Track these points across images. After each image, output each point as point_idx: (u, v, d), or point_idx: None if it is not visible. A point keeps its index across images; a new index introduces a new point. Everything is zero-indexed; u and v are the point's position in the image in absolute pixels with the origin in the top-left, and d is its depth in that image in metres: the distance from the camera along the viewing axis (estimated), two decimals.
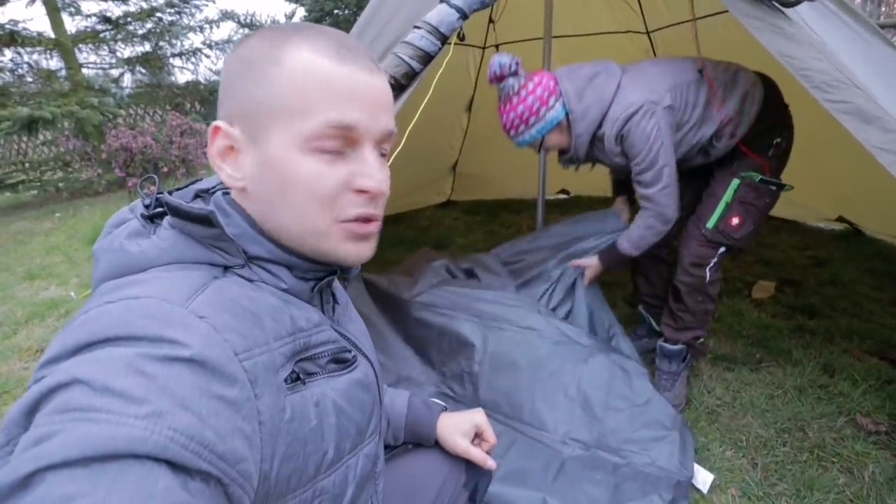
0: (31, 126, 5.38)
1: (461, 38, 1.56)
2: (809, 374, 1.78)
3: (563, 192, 4.04)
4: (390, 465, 0.85)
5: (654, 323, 1.96)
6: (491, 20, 2.86)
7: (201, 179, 0.65)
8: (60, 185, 6.20)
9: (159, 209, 0.56)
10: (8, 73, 6.23)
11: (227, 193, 0.59)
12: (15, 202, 6.15)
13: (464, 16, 1.43)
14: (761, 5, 1.11)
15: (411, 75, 1.43)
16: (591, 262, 1.79)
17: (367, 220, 0.57)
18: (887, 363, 1.82)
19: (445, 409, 0.92)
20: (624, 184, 1.92)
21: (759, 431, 1.55)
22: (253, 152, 0.54)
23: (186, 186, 0.63)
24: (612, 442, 1.44)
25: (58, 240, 4.18)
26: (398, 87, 1.45)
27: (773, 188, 1.57)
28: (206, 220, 0.51)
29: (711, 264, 1.62)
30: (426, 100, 1.54)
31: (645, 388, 1.54)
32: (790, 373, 1.80)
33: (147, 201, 0.57)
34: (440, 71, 1.55)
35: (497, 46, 3.05)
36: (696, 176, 1.70)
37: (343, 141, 0.53)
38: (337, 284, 0.70)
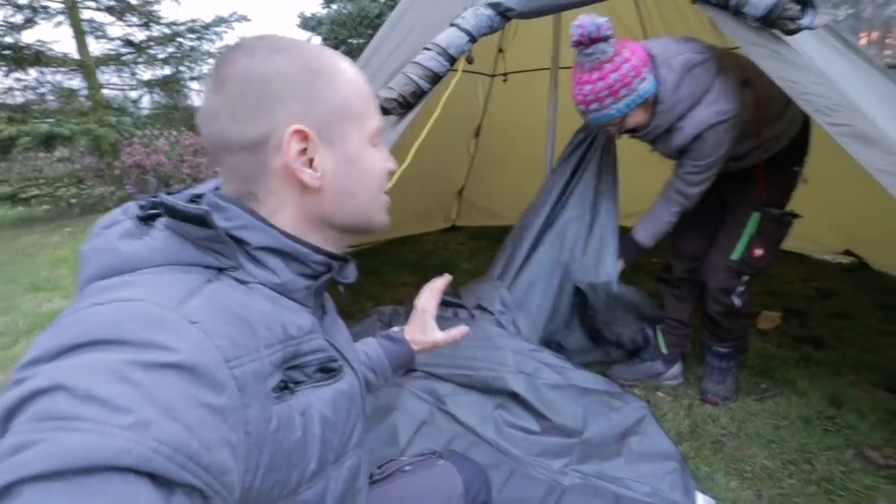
0: (48, 142, 5.53)
1: (469, 61, 1.60)
2: (816, 406, 1.74)
3: None
4: (389, 485, 0.84)
5: (664, 346, 1.94)
6: (500, 49, 2.94)
7: (194, 186, 0.65)
8: (73, 200, 6.32)
9: (153, 211, 0.56)
10: (31, 91, 6.43)
11: (219, 190, 0.60)
12: (27, 216, 6.24)
13: (472, 39, 1.48)
14: (763, 33, 1.15)
15: (419, 94, 1.47)
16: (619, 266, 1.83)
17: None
18: (895, 396, 1.78)
19: (402, 329, 1.03)
20: None
21: (764, 462, 1.51)
22: (331, 152, 0.59)
23: (180, 192, 0.62)
24: (612, 472, 1.42)
25: (65, 253, 4.23)
26: (406, 106, 1.49)
27: (791, 219, 1.63)
28: (201, 221, 0.51)
29: (739, 291, 1.69)
30: (433, 119, 1.58)
31: (642, 421, 1.54)
32: (796, 403, 1.76)
33: (143, 202, 0.57)
34: (447, 92, 1.59)
35: (505, 75, 3.12)
36: (711, 205, 1.75)
37: None
38: (326, 295, 0.70)
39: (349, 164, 0.60)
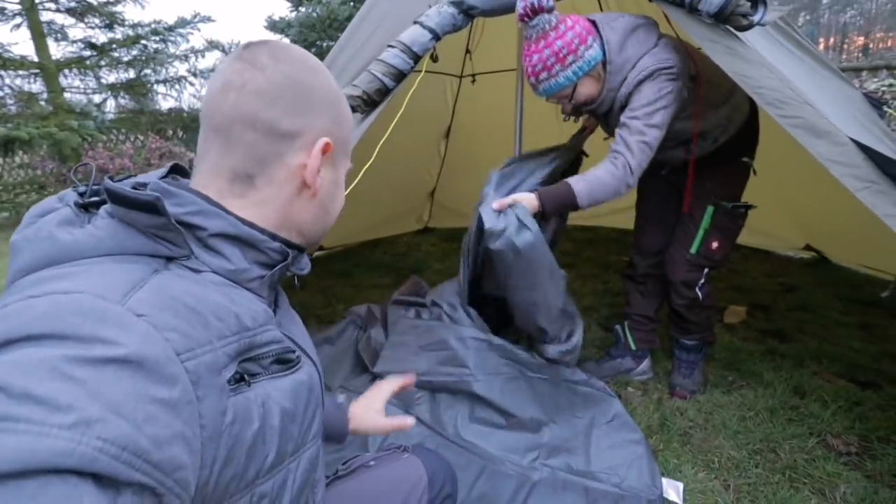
0: (6, 147, 5.31)
1: (434, 59, 1.60)
2: (780, 396, 1.79)
3: None
4: (352, 480, 0.83)
5: (632, 342, 1.96)
6: (468, 50, 2.95)
7: (136, 175, 0.63)
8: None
9: (94, 199, 0.54)
10: None
11: (166, 178, 0.58)
12: None
13: (436, 36, 1.48)
14: (717, 29, 1.17)
15: (384, 91, 1.46)
16: (527, 198, 1.51)
17: None
18: (856, 385, 1.84)
19: (349, 400, 0.96)
20: None
21: (731, 453, 1.54)
22: (331, 171, 0.65)
23: (123, 180, 0.59)
24: (580, 465, 1.42)
25: None
26: (371, 103, 1.48)
27: (743, 210, 1.66)
28: (151, 207, 0.49)
29: (700, 284, 1.73)
30: (398, 117, 1.56)
31: (609, 409, 1.54)
32: (762, 395, 1.80)
33: (82, 189, 0.54)
34: (412, 89, 1.58)
35: (473, 76, 3.13)
36: (671, 201, 1.78)
37: None
38: (279, 289, 0.69)
39: (335, 188, 0.67)
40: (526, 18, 1.41)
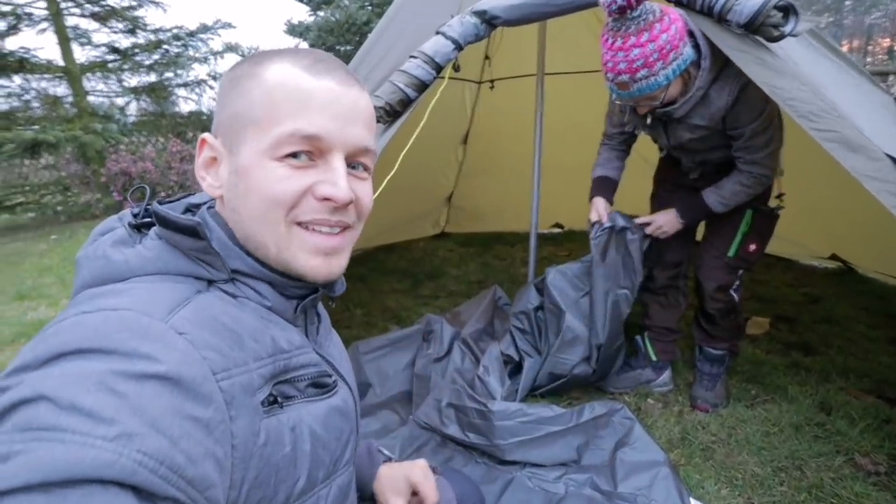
0: (33, 149, 5.46)
1: (456, 68, 1.59)
2: (806, 412, 1.74)
3: (557, 226, 4.06)
4: None
5: (653, 353, 1.93)
6: (487, 56, 2.94)
7: (193, 194, 0.64)
8: (59, 208, 6.24)
9: (147, 219, 0.56)
10: (15, 98, 6.35)
11: (213, 207, 0.59)
12: (11, 224, 6.14)
13: (458, 47, 1.47)
14: (746, 39, 1.15)
15: (406, 102, 1.46)
16: (668, 218, 1.74)
17: (333, 227, 0.55)
18: (885, 402, 1.79)
19: (389, 460, 0.84)
20: (675, 164, 1.81)
21: (755, 469, 1.50)
22: (229, 162, 0.55)
23: (178, 200, 0.62)
24: (606, 486, 1.41)
25: (51, 261, 4.15)
26: (393, 114, 1.48)
27: (778, 212, 1.68)
28: (193, 232, 0.51)
29: (735, 286, 1.74)
30: (420, 127, 1.56)
31: (631, 433, 1.54)
32: (786, 410, 1.76)
33: (136, 210, 0.57)
34: (434, 99, 1.58)
35: (492, 82, 3.12)
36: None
37: (311, 150, 0.53)
38: (320, 305, 0.68)
39: (237, 177, 0.54)
40: (629, 10, 1.23)
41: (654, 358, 1.92)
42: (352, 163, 0.57)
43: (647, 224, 1.78)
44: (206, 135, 0.56)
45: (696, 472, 1.50)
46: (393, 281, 3.13)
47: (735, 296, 1.75)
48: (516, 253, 3.61)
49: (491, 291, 2.44)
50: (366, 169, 0.59)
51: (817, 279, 3.02)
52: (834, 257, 3.06)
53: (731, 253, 1.71)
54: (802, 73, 1.11)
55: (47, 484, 0.32)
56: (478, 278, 3.18)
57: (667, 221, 1.75)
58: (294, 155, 0.52)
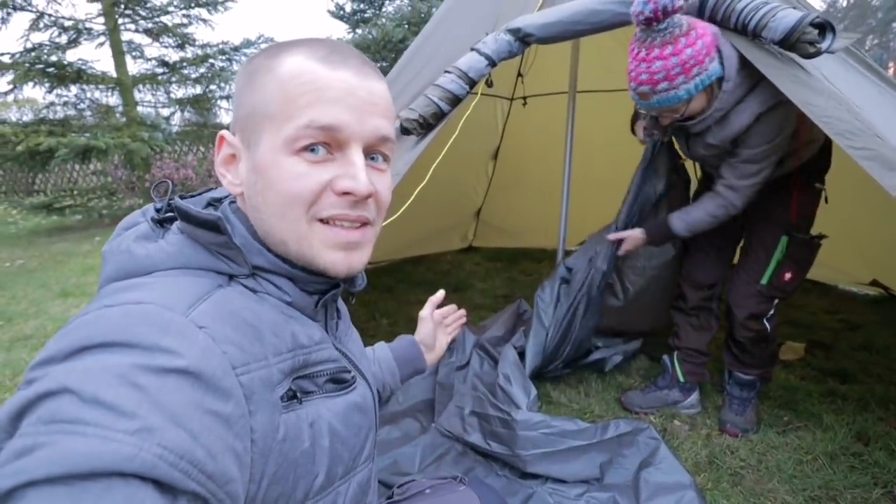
0: (84, 154, 5.75)
1: (489, 84, 1.63)
2: (841, 441, 1.68)
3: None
4: None
5: (681, 374, 1.89)
6: (520, 74, 2.98)
7: (214, 189, 0.64)
8: (104, 211, 6.54)
9: (170, 214, 0.56)
10: (71, 107, 6.73)
11: (234, 202, 0.59)
12: (59, 225, 6.46)
13: (492, 63, 1.51)
14: (782, 56, 1.14)
15: (439, 115, 1.51)
16: (634, 234, 1.79)
17: (353, 223, 0.55)
18: None
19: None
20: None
21: (786, 498, 1.45)
22: (247, 158, 0.55)
23: (200, 194, 0.62)
24: None
25: (95, 261, 4.35)
26: (426, 126, 1.53)
27: (818, 241, 1.60)
28: (214, 226, 0.51)
29: (769, 315, 1.67)
30: (452, 141, 1.60)
31: (656, 453, 1.52)
32: (820, 438, 1.70)
33: (159, 205, 0.57)
34: (467, 114, 1.62)
35: (525, 99, 3.16)
36: (727, 231, 1.72)
37: (329, 143, 0.53)
38: (340, 300, 0.69)
39: (255, 174, 0.53)
40: (654, 23, 1.24)
41: (682, 379, 1.89)
42: (371, 153, 0.56)
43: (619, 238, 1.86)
44: (224, 132, 0.56)
45: (724, 497, 1.46)
46: (419, 292, 3.16)
47: (768, 325, 1.67)
48: (543, 269, 3.59)
49: (515, 304, 2.44)
50: (385, 159, 0.59)
51: (857, 305, 2.90)
52: (875, 283, 2.95)
53: (764, 281, 1.63)
54: (837, 90, 1.10)
55: (69, 476, 0.32)
56: (503, 293, 3.18)
57: (631, 237, 1.80)
58: (312, 149, 0.52)
